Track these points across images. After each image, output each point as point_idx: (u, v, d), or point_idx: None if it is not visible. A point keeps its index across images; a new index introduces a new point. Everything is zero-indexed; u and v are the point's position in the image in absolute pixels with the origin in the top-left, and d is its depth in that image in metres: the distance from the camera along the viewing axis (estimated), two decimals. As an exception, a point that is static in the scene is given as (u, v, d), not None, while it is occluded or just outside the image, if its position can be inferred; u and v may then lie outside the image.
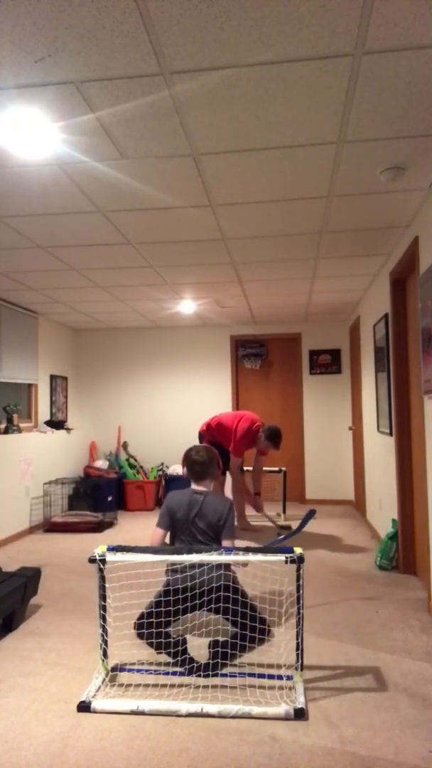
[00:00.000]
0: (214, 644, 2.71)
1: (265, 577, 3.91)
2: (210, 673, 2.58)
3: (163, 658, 2.75)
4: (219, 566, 2.78)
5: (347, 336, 7.26)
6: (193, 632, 3.05)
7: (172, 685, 2.49)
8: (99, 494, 6.40)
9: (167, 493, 6.82)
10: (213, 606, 2.77)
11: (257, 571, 4.01)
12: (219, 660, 2.65)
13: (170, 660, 2.71)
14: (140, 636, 2.77)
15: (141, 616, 2.79)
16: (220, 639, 2.75)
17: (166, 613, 2.76)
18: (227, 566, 2.82)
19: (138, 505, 6.93)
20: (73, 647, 2.92)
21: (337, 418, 7.25)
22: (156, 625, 2.74)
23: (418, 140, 2.50)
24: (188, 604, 2.78)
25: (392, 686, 2.46)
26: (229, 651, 2.70)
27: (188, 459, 3.04)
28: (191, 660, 2.64)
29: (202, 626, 3.14)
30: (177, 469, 7.05)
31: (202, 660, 2.67)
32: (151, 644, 2.76)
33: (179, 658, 2.66)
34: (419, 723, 2.18)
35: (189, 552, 2.52)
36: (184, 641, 2.71)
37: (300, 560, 2.42)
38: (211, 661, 2.63)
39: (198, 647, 2.85)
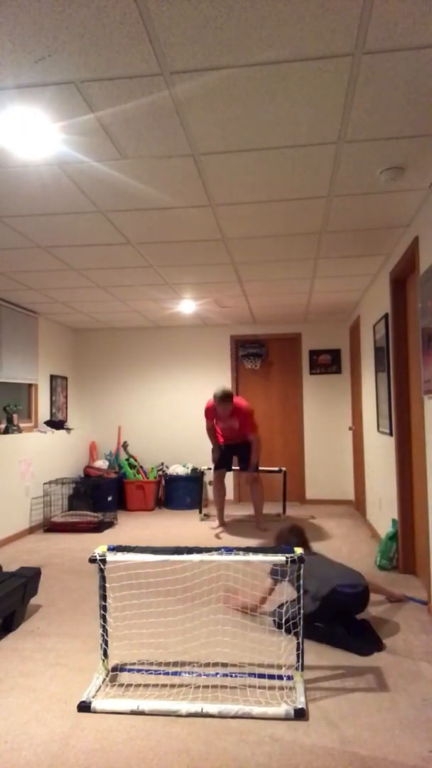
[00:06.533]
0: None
1: (265, 578, 3.90)
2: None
3: (163, 658, 2.75)
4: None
5: (347, 336, 7.26)
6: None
7: (172, 685, 2.49)
8: (99, 494, 6.40)
9: (168, 494, 6.90)
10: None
11: (257, 570, 4.01)
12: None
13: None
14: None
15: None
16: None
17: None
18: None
19: (138, 505, 6.93)
20: (73, 647, 2.92)
21: (337, 418, 7.25)
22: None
23: (418, 140, 2.50)
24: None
25: (392, 686, 2.46)
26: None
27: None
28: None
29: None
30: (177, 469, 7.05)
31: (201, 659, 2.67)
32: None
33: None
34: (419, 723, 2.18)
35: (189, 552, 2.52)
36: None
37: (300, 560, 2.42)
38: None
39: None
